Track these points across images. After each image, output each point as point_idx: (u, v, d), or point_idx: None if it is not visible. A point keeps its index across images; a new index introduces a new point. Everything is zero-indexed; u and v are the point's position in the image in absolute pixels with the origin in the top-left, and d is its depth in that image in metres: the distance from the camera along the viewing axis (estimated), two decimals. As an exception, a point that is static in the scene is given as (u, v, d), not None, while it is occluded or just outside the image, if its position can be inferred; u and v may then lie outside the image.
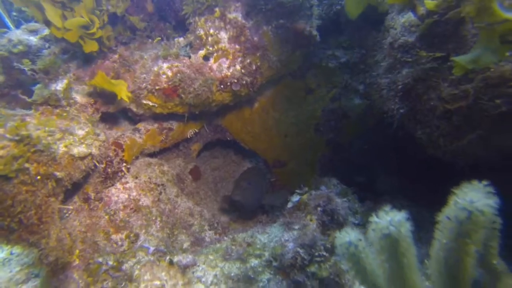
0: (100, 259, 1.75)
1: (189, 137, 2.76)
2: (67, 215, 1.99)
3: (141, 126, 2.50)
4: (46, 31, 2.77)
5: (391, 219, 0.85)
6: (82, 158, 1.59)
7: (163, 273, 1.78)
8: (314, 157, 2.78)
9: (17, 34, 2.95)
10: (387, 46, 1.96)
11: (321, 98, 2.60)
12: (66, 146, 1.53)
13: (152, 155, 2.70)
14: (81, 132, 1.64)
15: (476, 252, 0.90)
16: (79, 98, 1.94)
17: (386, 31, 2.07)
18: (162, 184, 2.54)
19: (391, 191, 3.06)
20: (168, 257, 1.88)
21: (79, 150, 1.57)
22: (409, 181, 2.97)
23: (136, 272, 1.72)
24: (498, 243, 1.02)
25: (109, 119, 2.48)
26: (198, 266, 1.92)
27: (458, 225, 0.80)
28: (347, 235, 1.03)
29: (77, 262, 1.77)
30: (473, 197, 0.79)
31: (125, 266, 1.75)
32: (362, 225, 2.21)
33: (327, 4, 2.41)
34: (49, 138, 1.47)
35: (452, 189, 0.86)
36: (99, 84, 1.84)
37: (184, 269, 1.86)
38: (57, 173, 1.47)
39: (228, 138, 3.08)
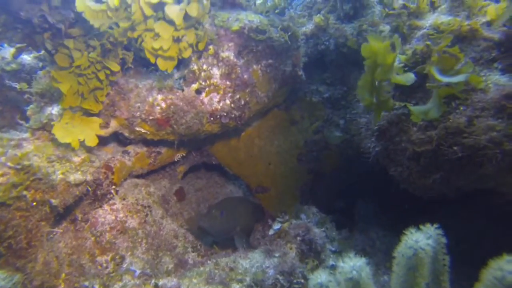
0: (86, 283, 1.80)
1: (176, 160, 2.85)
2: (51, 236, 2.03)
3: (130, 148, 2.58)
4: (42, 52, 2.84)
5: (353, 265, 1.00)
6: (78, 185, 1.67)
7: (148, 297, 1.85)
8: (296, 185, 2.92)
9: (11, 52, 3.01)
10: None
11: (305, 129, 2.76)
12: (63, 173, 1.61)
13: (139, 175, 2.78)
14: (77, 159, 1.72)
15: (425, 284, 1.07)
16: (74, 123, 2.02)
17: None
18: (149, 206, 2.62)
19: (367, 218, 3.23)
20: (153, 281, 1.95)
21: (75, 177, 1.65)
22: (384, 209, 3.16)
23: (122, 296, 1.79)
24: (448, 276, 1.20)
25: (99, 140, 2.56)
26: (182, 289, 2.00)
27: (408, 260, 0.97)
28: (319, 277, 1.18)
29: (62, 286, 1.81)
30: (418, 238, 0.97)
31: (111, 290, 1.81)
32: (339, 252, 2.35)
33: (313, 43, 2.61)
34: (48, 167, 1.55)
35: (404, 231, 1.04)
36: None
37: (168, 292, 1.94)
38: (53, 201, 1.54)
39: (214, 162, 3.20)
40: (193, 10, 1.64)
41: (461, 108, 1.71)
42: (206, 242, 2.93)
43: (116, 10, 1.64)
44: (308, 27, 2.61)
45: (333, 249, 2.40)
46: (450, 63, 1.54)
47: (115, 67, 1.87)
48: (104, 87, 1.89)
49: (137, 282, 1.88)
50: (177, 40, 1.82)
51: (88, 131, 1.91)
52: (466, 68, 1.52)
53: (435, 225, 1.20)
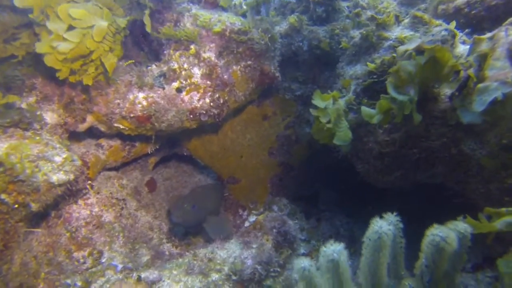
0: (68, 281, 1.81)
1: (149, 152, 2.85)
2: (28, 236, 1.99)
3: (103, 141, 2.54)
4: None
5: (334, 249, 1.24)
6: (61, 185, 1.66)
7: (131, 290, 1.91)
8: (266, 176, 3.07)
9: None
10: (337, 90, 2.32)
11: (276, 124, 2.90)
12: (45, 174, 1.59)
13: (111, 168, 2.75)
14: (58, 159, 1.69)
15: (387, 264, 1.30)
16: (49, 119, 1.96)
17: (337, 77, 2.44)
18: (123, 199, 2.62)
19: (331, 205, 3.50)
20: (135, 274, 2.01)
21: (58, 177, 1.63)
22: (347, 198, 3.44)
23: (106, 291, 1.82)
24: (403, 257, 1.45)
25: (70, 133, 2.48)
26: (164, 281, 2.08)
27: (373, 243, 1.24)
28: (302, 262, 1.37)
29: (42, 285, 1.80)
30: (382, 224, 1.24)
31: (94, 286, 1.84)
32: (308, 241, 2.57)
33: (287, 43, 2.71)
34: (29, 168, 1.52)
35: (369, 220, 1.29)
36: None
37: (151, 285, 2.01)
38: (32, 205, 1.53)
39: (185, 153, 3.24)
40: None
41: (420, 114, 1.94)
42: (178, 233, 3.01)
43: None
44: (282, 27, 2.69)
45: (303, 238, 2.61)
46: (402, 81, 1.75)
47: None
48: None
49: (120, 277, 1.92)
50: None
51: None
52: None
53: (395, 213, 1.44)
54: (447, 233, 1.24)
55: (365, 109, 1.86)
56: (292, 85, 2.82)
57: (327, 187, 3.59)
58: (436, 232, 1.26)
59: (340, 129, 2.05)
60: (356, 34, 2.41)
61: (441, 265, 1.31)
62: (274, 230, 2.14)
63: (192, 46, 2.04)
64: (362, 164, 2.23)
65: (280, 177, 3.14)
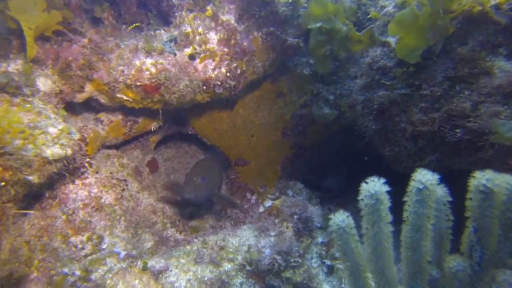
0: (66, 269, 1.59)
1: (153, 130, 2.61)
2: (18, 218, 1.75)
3: (103, 116, 2.29)
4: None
5: (374, 183, 1.12)
6: (56, 161, 1.42)
7: (136, 281, 1.70)
8: (277, 159, 2.86)
9: None
10: (365, 65, 2.08)
11: (292, 103, 2.66)
12: (37, 147, 1.35)
13: (111, 146, 2.51)
14: (53, 130, 1.44)
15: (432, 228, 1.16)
16: (41, 85, 1.70)
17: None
18: (124, 180, 2.39)
19: (338, 190, 3.33)
20: (139, 263, 1.80)
21: (53, 151, 1.39)
22: (354, 182, 3.25)
23: (108, 281, 1.61)
24: (450, 240, 1.27)
25: (66, 105, 2.22)
26: (171, 270, 1.88)
27: (417, 194, 1.10)
28: (340, 216, 1.24)
29: (35, 274, 1.58)
30: (425, 174, 1.11)
31: (95, 276, 1.63)
32: (324, 228, 2.38)
33: (306, 12, 2.45)
34: (18, 139, 1.27)
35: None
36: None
37: (157, 274, 1.81)
38: (30, 177, 1.29)
39: (190, 132, 2.99)
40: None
41: (466, 92, 1.72)
42: (184, 213, 2.82)
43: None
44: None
45: (319, 225, 2.42)
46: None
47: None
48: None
49: (123, 265, 1.71)
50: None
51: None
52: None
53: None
54: (493, 176, 1.10)
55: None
56: (311, 60, 2.57)
57: (335, 171, 3.42)
58: (479, 176, 1.11)
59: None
60: (387, 2, 2.16)
61: (493, 225, 1.13)
62: (295, 217, 1.94)
63: (208, 7, 1.77)
64: (391, 147, 2.02)
65: (292, 160, 2.93)
